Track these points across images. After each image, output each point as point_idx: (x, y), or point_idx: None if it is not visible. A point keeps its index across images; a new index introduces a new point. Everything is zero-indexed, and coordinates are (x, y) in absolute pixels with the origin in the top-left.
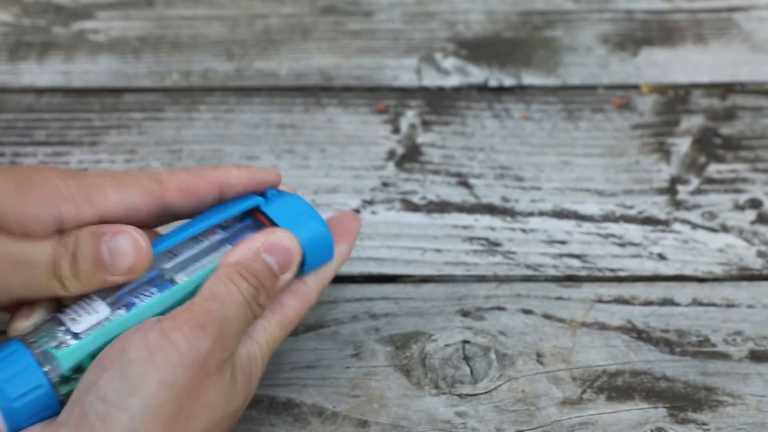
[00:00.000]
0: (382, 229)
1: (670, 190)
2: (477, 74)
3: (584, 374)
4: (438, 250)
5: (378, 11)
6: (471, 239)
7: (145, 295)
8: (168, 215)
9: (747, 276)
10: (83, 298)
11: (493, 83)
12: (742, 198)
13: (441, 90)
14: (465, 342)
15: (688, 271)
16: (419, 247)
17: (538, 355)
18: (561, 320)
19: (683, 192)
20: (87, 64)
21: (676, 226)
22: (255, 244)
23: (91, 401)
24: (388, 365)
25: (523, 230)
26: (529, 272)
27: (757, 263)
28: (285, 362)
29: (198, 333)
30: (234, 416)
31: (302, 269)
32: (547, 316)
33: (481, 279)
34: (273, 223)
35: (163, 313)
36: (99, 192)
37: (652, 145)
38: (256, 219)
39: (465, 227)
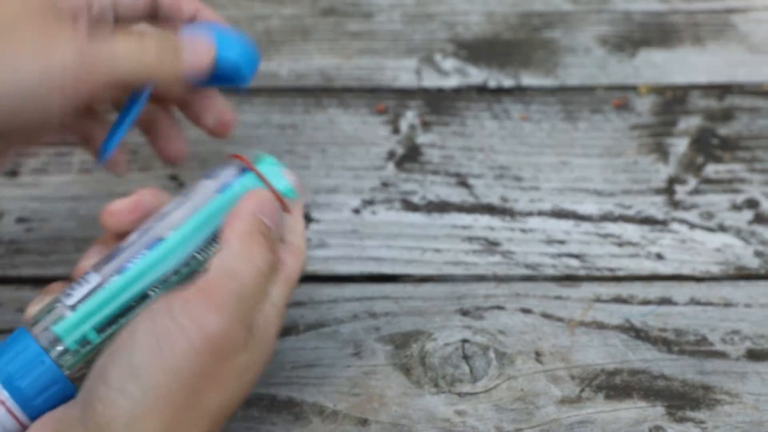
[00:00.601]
0: (382, 229)
1: (668, 190)
2: (476, 75)
3: (583, 373)
4: (438, 250)
5: (378, 12)
6: (470, 239)
7: (136, 258)
8: (153, 14)
9: (744, 275)
10: (80, 277)
11: (492, 84)
12: (740, 198)
13: (440, 91)
14: (464, 341)
15: (685, 271)
16: (419, 246)
17: (537, 354)
18: (560, 319)
19: (681, 192)
20: None
21: (674, 225)
22: (249, 208)
23: (96, 384)
24: (388, 364)
25: (522, 230)
26: (528, 272)
27: (754, 263)
28: (285, 361)
29: (212, 316)
30: (254, 380)
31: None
32: (545, 316)
33: (481, 278)
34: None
35: (159, 274)
36: None
37: (650, 145)
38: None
39: (464, 227)
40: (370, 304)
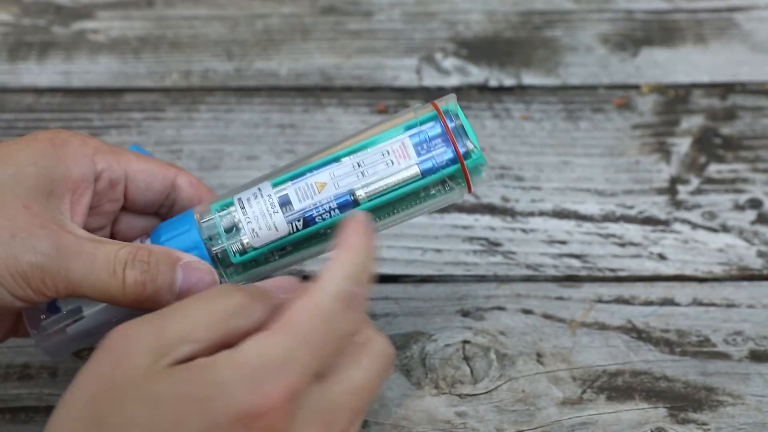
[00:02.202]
0: (382, 230)
1: (671, 190)
2: (477, 74)
3: (584, 374)
4: (438, 250)
5: (378, 11)
6: (471, 239)
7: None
8: (171, 203)
9: (747, 276)
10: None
11: (493, 83)
12: (743, 198)
13: (441, 90)
14: (465, 342)
15: (688, 271)
16: (419, 247)
17: (538, 355)
18: (561, 320)
19: (683, 192)
20: (87, 64)
21: (677, 226)
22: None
23: None
24: None
25: (523, 230)
26: (529, 272)
27: (757, 263)
28: None
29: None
30: None
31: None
32: (547, 316)
33: (481, 279)
34: None
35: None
36: (124, 154)
37: (652, 145)
38: None
39: (465, 227)
40: (370, 305)
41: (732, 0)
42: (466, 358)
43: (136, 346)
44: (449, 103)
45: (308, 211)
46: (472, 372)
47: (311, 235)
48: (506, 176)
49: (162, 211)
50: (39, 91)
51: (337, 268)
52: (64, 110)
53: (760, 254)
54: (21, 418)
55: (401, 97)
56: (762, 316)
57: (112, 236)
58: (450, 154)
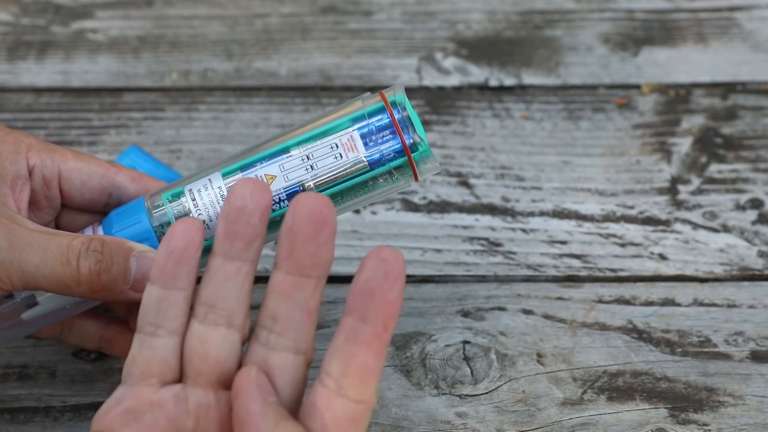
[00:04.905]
0: (382, 229)
1: (671, 190)
2: (477, 74)
3: (585, 375)
4: (438, 250)
5: (378, 11)
6: (471, 239)
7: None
8: (115, 201)
9: (748, 276)
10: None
11: (493, 83)
12: (743, 198)
13: (441, 89)
14: (465, 342)
15: (689, 272)
16: (419, 247)
17: (539, 355)
18: (562, 320)
19: (684, 192)
20: (86, 63)
21: (677, 226)
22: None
23: None
24: (388, 365)
25: (524, 230)
26: (530, 272)
27: (758, 263)
28: None
29: None
30: None
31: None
32: (547, 317)
33: (482, 279)
34: None
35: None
36: (59, 152)
37: (653, 144)
38: None
39: (465, 227)
40: None
41: None
42: (466, 359)
43: None
44: (397, 93)
45: None
46: (472, 372)
47: None
48: (507, 176)
49: (107, 210)
50: (38, 91)
51: (364, 377)
52: (63, 110)
53: (761, 254)
54: (20, 418)
55: None
56: (763, 316)
57: None
58: (397, 146)
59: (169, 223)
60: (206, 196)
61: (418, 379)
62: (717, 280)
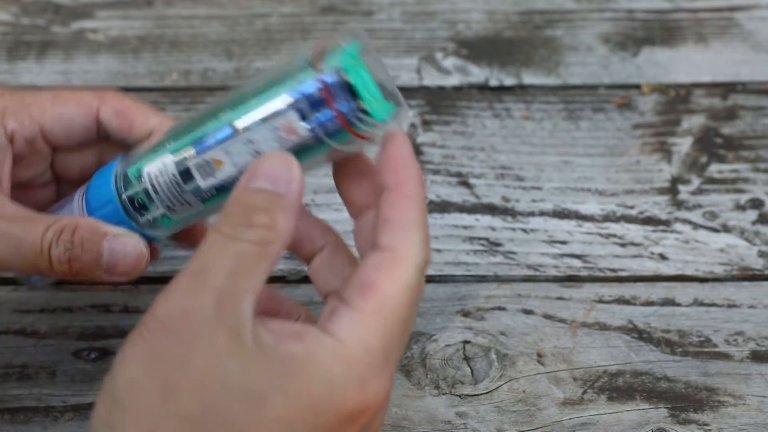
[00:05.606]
0: None
1: (671, 190)
2: (477, 74)
3: (585, 375)
4: (438, 250)
5: (378, 11)
6: (471, 239)
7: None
8: (104, 135)
9: (748, 276)
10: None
11: (493, 83)
12: (744, 198)
13: (441, 89)
14: (465, 342)
15: (689, 272)
16: None
17: (539, 355)
18: (562, 320)
19: (684, 192)
20: (86, 63)
21: (678, 226)
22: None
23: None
24: None
25: (524, 230)
26: (530, 272)
27: (758, 263)
28: None
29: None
30: None
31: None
32: (547, 317)
33: (482, 279)
34: None
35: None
36: (36, 105)
37: (653, 144)
38: None
39: (465, 227)
40: None
41: None
42: (466, 359)
43: (200, 320)
44: (333, 51)
45: (214, 185)
46: (472, 372)
47: (227, 191)
48: (507, 176)
49: (101, 144)
50: None
51: (412, 230)
52: None
53: (761, 254)
54: (20, 418)
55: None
56: (763, 316)
57: (56, 178)
58: (336, 120)
59: (141, 198)
60: (164, 185)
61: (418, 379)
62: (717, 280)
